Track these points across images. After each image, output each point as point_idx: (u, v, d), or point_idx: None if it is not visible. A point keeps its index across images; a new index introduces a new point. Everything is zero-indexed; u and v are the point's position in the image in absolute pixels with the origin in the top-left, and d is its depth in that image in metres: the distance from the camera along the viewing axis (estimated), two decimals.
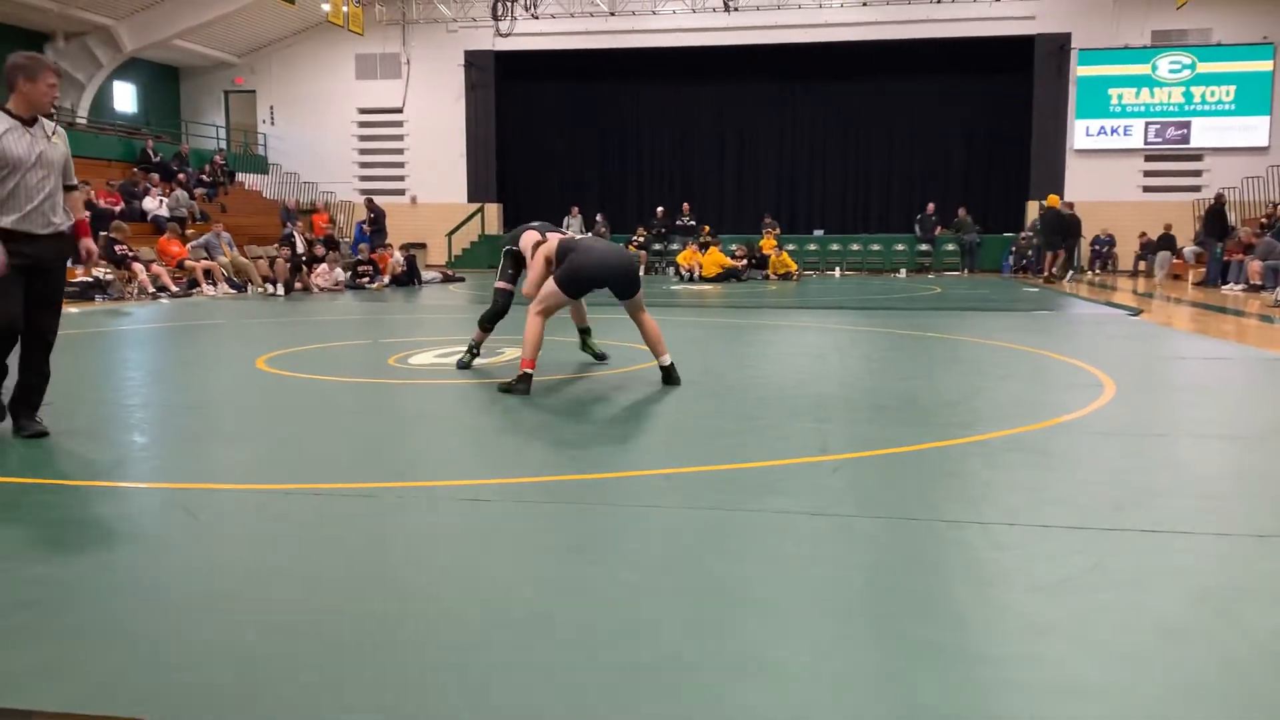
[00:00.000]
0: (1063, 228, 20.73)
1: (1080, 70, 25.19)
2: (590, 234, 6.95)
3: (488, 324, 7.49)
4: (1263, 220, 20.67)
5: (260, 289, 17.26)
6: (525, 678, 2.34)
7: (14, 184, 4.77)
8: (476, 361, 7.55)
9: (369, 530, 3.56)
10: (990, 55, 25.80)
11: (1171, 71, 24.87)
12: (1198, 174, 25.03)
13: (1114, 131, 25.37)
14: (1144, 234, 23.27)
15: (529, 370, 6.29)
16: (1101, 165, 25.29)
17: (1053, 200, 21.56)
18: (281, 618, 2.71)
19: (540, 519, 3.69)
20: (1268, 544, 3.33)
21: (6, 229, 4.75)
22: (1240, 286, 17.52)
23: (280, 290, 16.97)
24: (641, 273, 25.07)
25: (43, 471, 4.36)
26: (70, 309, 13.70)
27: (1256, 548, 3.30)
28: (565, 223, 24.27)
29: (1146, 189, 25.21)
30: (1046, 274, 20.98)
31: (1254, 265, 17.33)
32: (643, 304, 6.72)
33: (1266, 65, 24.35)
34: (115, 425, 5.52)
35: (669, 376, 6.65)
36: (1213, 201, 21.78)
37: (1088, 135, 25.43)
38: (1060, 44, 25.14)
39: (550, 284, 6.50)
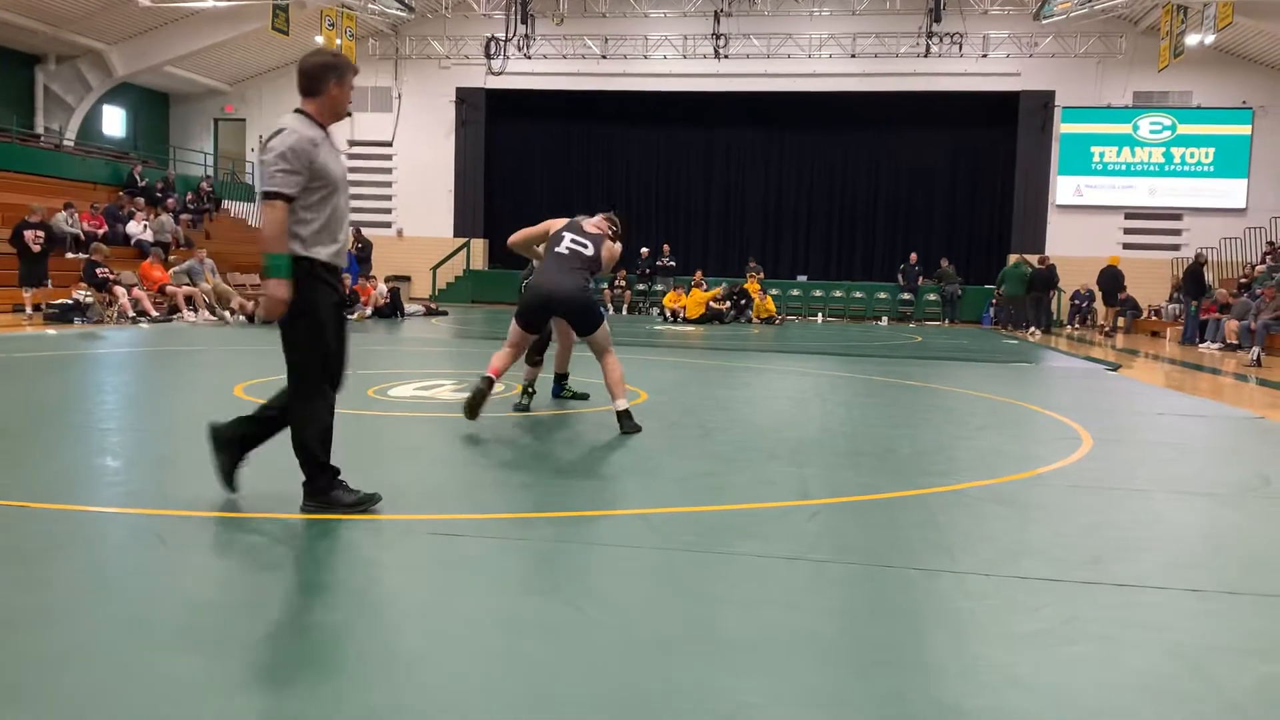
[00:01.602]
0: (1116, 284, 21.82)
1: (1063, 128, 25.59)
2: (565, 243, 6.65)
3: (534, 357, 7.23)
4: (1240, 280, 20.92)
5: (236, 316, 17.07)
6: None
7: (330, 208, 3.91)
8: (456, 395, 7.48)
9: (341, 562, 3.52)
10: (975, 110, 26.20)
11: (1152, 132, 25.28)
12: (1177, 233, 25.37)
13: (1095, 189, 25.71)
14: (1124, 290, 23.48)
15: (492, 375, 6.21)
16: (1082, 221, 25.59)
17: (1114, 260, 22.39)
18: (248, 651, 2.67)
19: (515, 556, 3.65)
20: (1240, 601, 3.33)
21: (325, 263, 3.91)
22: (1217, 345, 17.69)
23: (252, 317, 16.64)
24: (625, 312, 24.65)
25: (9, 494, 4.29)
26: (48, 331, 13.59)
27: (1229, 604, 3.31)
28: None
29: (1126, 246, 25.50)
30: (1104, 328, 21.81)
31: (1231, 324, 17.51)
32: (608, 345, 6.42)
33: (1245, 129, 24.79)
34: (87, 449, 5.46)
35: (623, 423, 6.27)
36: (1192, 261, 22.05)
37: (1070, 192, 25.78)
38: (1044, 101, 25.54)
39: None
